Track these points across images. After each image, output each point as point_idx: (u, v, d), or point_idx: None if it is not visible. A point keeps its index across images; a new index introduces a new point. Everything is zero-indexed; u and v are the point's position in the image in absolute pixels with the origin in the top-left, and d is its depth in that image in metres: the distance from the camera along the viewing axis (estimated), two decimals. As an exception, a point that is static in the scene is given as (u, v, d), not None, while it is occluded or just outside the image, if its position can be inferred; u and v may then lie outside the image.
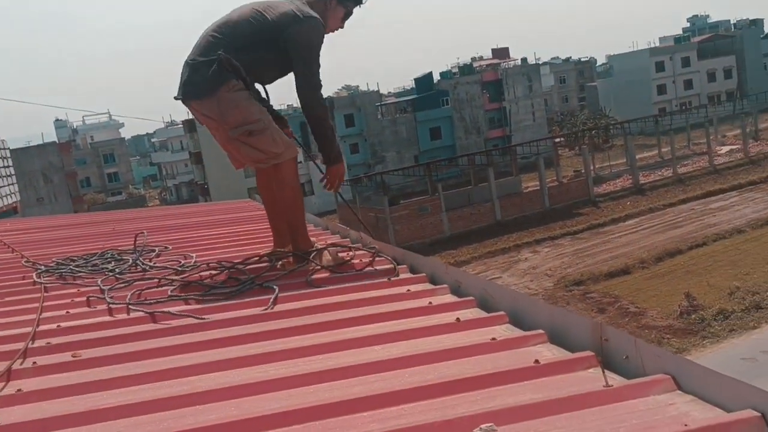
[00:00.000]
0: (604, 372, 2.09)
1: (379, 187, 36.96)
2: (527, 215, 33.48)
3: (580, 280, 25.56)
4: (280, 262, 3.99)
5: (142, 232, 4.90)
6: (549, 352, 2.36)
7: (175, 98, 4.04)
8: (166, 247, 5.13)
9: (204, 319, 3.10)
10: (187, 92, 3.94)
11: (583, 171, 38.59)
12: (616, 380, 2.05)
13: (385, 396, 2.06)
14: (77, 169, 72.87)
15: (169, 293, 3.54)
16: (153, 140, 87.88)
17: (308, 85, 3.97)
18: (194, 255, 4.61)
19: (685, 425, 1.68)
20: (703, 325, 21.36)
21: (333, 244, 4.33)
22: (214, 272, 3.96)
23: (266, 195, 4.34)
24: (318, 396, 2.12)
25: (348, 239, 4.82)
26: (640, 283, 24.94)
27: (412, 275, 3.66)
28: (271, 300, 3.29)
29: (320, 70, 3.99)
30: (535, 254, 29.20)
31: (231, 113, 3.85)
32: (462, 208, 33.68)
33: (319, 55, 3.97)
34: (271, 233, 4.49)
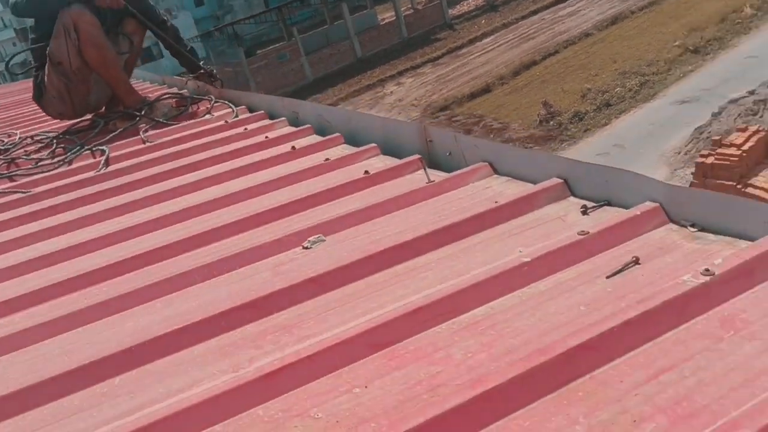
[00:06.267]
0: (426, 170, 2.15)
1: (231, 39, 35.10)
2: (387, 48, 33.08)
3: (445, 105, 26.07)
4: (112, 122, 3.76)
5: (-50, 115, 4.43)
6: (380, 163, 2.40)
7: None
8: (-14, 129, 4.70)
9: (30, 192, 2.91)
10: None
11: (437, -5, 38.07)
12: (440, 176, 2.11)
13: (218, 230, 2.04)
14: None
15: (-9, 173, 3.27)
16: (-31, 21, 77.78)
17: None
18: (18, 132, 4.25)
19: (496, 202, 1.78)
20: (561, 129, 22.65)
21: (167, 95, 4.10)
22: (40, 144, 3.69)
23: None
24: (150, 242, 2.06)
25: (186, 90, 4.57)
26: (501, 99, 25.78)
27: (250, 114, 3.55)
28: (102, 161, 3.12)
29: None
30: (400, 86, 29.28)
31: None
32: (321, 50, 32.72)
33: None
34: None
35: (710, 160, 14.38)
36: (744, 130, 15.64)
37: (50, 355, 1.52)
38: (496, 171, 2.05)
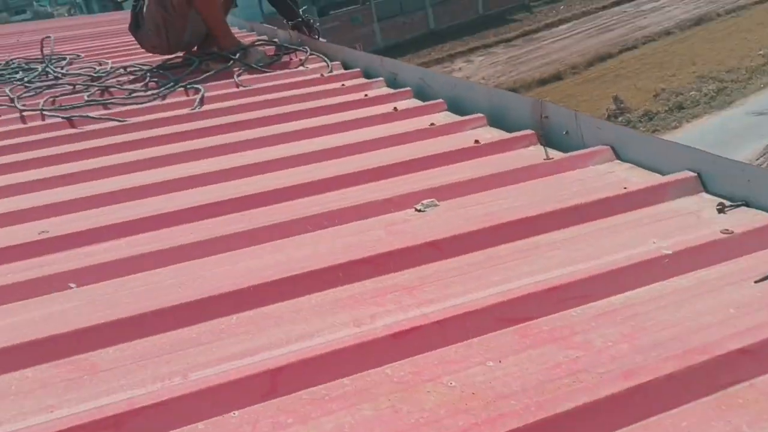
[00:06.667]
0: (544, 146, 2.06)
1: (307, -4, 34.98)
2: (461, 23, 32.61)
3: (514, 88, 25.59)
4: (204, 63, 3.75)
5: (49, 36, 4.48)
6: (489, 134, 2.32)
7: None
8: (78, 56, 4.75)
9: (126, 121, 2.92)
10: None
11: (517, -26, 37.21)
12: (556, 154, 2.03)
13: (324, 182, 2.00)
14: (-28, -13, 65.87)
15: (86, 98, 3.29)
16: (54, -49, 79.34)
17: None
18: (110, 61, 4.28)
19: (625, 188, 1.69)
20: (629, 127, 22.09)
21: (261, 42, 4.07)
22: (133, 76, 3.71)
23: None
24: (253, 186, 2.04)
25: (277, 39, 4.54)
26: (571, 89, 25.22)
27: (345, 71, 3.50)
28: (197, 100, 3.11)
29: None
30: (469, 63, 28.89)
31: None
32: (394, 17, 32.46)
33: None
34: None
35: (784, 177, 13.81)
36: (824, 150, 14.96)
37: (162, 284, 1.50)
38: (618, 156, 1.95)
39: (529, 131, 2.19)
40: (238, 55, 3.74)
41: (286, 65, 3.70)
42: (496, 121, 2.42)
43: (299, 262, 1.50)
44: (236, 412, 1.06)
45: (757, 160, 18.77)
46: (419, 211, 1.74)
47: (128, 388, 1.15)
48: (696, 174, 1.72)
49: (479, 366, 1.12)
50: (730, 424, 0.96)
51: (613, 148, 1.97)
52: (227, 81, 3.46)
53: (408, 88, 2.96)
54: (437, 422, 1.01)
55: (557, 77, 26.09)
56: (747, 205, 1.61)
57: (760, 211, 1.56)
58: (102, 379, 1.18)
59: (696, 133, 21.25)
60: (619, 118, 22.52)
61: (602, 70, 26.35)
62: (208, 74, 3.53)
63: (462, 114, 2.55)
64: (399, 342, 1.17)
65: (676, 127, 22.20)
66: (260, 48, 3.91)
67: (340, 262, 1.45)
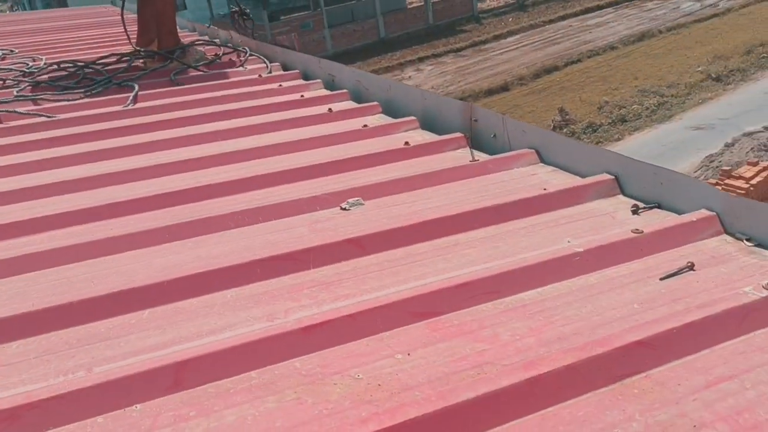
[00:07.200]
0: (471, 149, 2.09)
1: (257, 0, 34.76)
2: (411, 32, 32.87)
3: (462, 97, 25.89)
4: (142, 60, 3.68)
5: (-21, 30, 4.34)
6: (420, 137, 2.34)
7: None
8: (11, 51, 4.61)
9: (54, 117, 2.84)
10: None
11: (467, -14, 37.71)
12: (483, 157, 2.06)
13: (253, 179, 1.98)
14: None
15: (15, 93, 3.20)
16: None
17: None
18: (44, 57, 4.17)
19: (544, 189, 1.73)
20: (574, 138, 22.59)
21: (201, 41, 4.02)
22: (66, 73, 3.61)
23: None
24: (180, 183, 2.01)
25: (218, 40, 4.49)
26: (518, 99, 25.65)
27: (284, 72, 3.49)
28: (131, 97, 3.05)
29: None
30: (419, 72, 29.10)
31: None
32: (345, 24, 32.49)
33: None
34: (132, 36, 4.10)
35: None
36: (755, 164, 15.57)
37: (75, 279, 1.47)
38: (542, 159, 2.00)
39: (458, 134, 2.22)
40: (176, 53, 3.69)
41: (225, 65, 3.67)
42: (428, 123, 2.45)
43: (218, 257, 1.49)
44: (138, 406, 1.04)
45: (694, 173, 19.41)
46: (344, 209, 1.75)
47: (28, 382, 1.12)
48: (614, 177, 1.77)
49: (388, 359, 1.13)
50: (624, 413, 0.99)
51: (537, 152, 2.01)
52: (164, 79, 3.41)
53: (345, 90, 2.97)
54: (340, 413, 1.01)
55: (504, 88, 26.48)
56: (660, 207, 1.66)
57: (670, 213, 1.62)
58: (1, 373, 1.15)
59: (637, 145, 21.84)
60: (564, 129, 23.01)
61: (548, 82, 26.89)
62: (144, 72, 3.48)
63: (396, 116, 2.57)
64: (310, 336, 1.17)
65: (618, 139, 22.76)
66: (200, 48, 3.87)
67: (258, 257, 1.44)
